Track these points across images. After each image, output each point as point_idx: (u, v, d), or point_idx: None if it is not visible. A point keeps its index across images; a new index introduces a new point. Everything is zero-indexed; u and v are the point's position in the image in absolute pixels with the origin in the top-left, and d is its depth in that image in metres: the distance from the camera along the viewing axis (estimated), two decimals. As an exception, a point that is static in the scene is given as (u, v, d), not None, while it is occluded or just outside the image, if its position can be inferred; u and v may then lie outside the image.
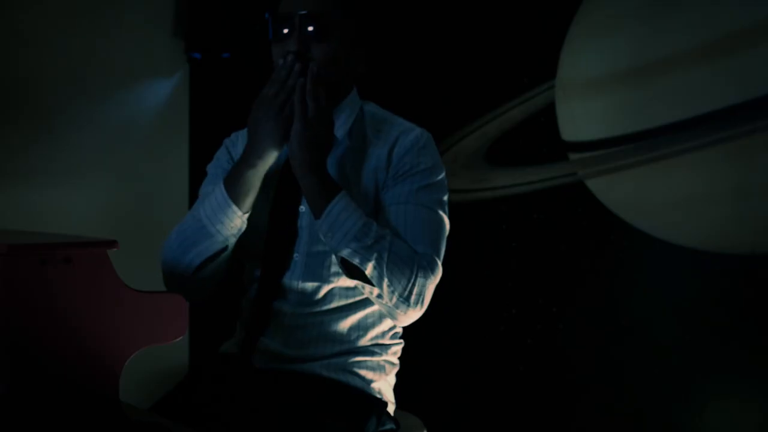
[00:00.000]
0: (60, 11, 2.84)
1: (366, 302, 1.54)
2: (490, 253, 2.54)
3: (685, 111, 2.09)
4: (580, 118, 2.33)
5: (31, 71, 2.79)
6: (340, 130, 1.55)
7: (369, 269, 1.41)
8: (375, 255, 1.40)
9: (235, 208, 1.46)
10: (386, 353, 1.58)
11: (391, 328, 1.60)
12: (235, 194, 1.47)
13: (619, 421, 2.26)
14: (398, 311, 1.46)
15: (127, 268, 1.36)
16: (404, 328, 1.67)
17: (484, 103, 2.54)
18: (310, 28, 1.48)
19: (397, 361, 1.62)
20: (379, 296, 1.44)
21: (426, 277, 1.46)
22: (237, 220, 1.48)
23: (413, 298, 1.44)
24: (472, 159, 2.59)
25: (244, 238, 1.53)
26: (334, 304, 1.53)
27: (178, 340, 1.27)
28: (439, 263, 1.49)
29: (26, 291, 1.12)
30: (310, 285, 1.52)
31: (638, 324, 2.22)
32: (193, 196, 3.14)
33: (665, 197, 2.16)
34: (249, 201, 1.49)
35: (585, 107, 2.32)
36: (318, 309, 1.53)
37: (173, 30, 3.14)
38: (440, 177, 1.55)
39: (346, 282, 1.51)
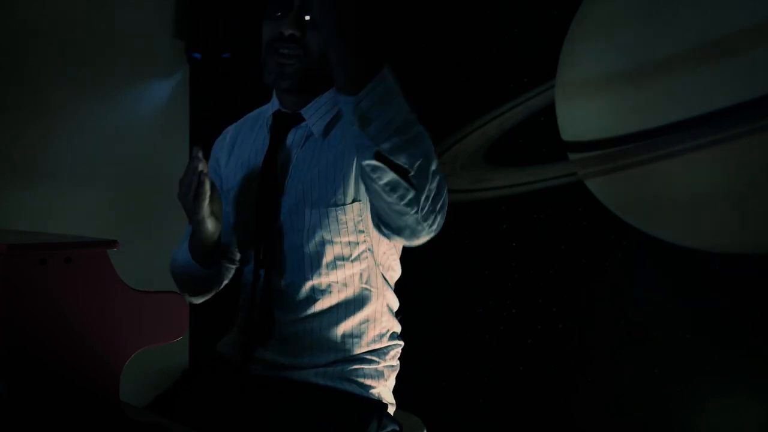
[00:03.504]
0: (60, 12, 2.84)
1: (357, 307, 1.53)
2: (490, 253, 2.54)
3: (685, 111, 2.09)
4: (580, 118, 2.33)
5: (31, 71, 2.79)
6: (317, 125, 1.51)
7: (415, 169, 1.24)
8: (420, 152, 1.23)
9: (199, 268, 1.57)
10: (384, 359, 1.56)
11: (387, 330, 1.58)
12: (195, 254, 1.56)
13: (619, 421, 2.26)
14: (424, 220, 1.30)
15: (127, 268, 1.36)
16: (404, 328, 1.66)
17: (484, 103, 2.54)
18: (308, 17, 1.44)
19: (396, 363, 1.61)
20: (411, 201, 1.26)
21: (437, 167, 1.29)
22: (205, 270, 1.58)
23: (440, 202, 1.30)
24: (472, 159, 2.59)
25: (238, 240, 1.61)
26: (318, 306, 1.51)
27: (178, 340, 1.27)
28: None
29: (26, 291, 1.12)
30: (291, 283, 1.51)
31: (638, 324, 2.22)
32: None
33: (665, 197, 2.16)
34: (210, 254, 1.56)
35: (585, 107, 2.32)
36: (304, 313, 1.51)
37: (173, 30, 3.14)
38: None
39: (322, 279, 1.50)
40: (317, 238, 1.49)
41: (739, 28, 2.01)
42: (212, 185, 1.48)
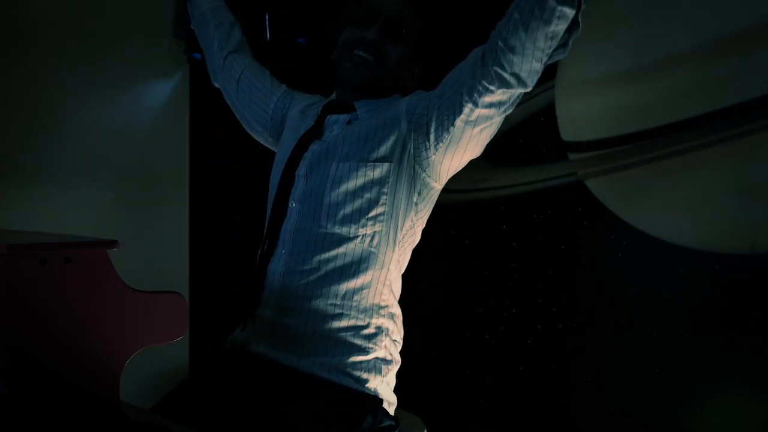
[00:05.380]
0: (60, 11, 2.84)
1: (360, 269, 1.56)
2: (490, 253, 2.54)
3: (685, 111, 2.09)
4: (580, 118, 2.33)
5: (30, 71, 2.79)
6: (364, 113, 1.65)
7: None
8: None
9: None
10: (378, 345, 1.57)
11: (387, 306, 1.60)
12: None
13: (619, 421, 2.26)
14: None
15: (127, 268, 1.36)
16: (404, 328, 1.66)
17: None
18: (390, 30, 1.65)
19: (392, 357, 1.61)
20: (556, 50, 1.46)
21: None
22: None
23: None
24: (472, 159, 2.58)
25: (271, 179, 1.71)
26: (323, 256, 1.55)
27: (178, 340, 1.27)
28: None
29: (26, 291, 1.12)
30: (302, 234, 1.57)
31: (638, 324, 2.22)
32: (193, 196, 3.14)
33: (665, 197, 2.16)
34: None
35: (585, 107, 2.32)
36: (308, 263, 1.55)
37: (173, 30, 3.14)
38: None
39: (335, 229, 1.55)
40: (340, 189, 1.56)
41: (739, 28, 2.01)
42: None
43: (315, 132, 1.66)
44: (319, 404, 1.48)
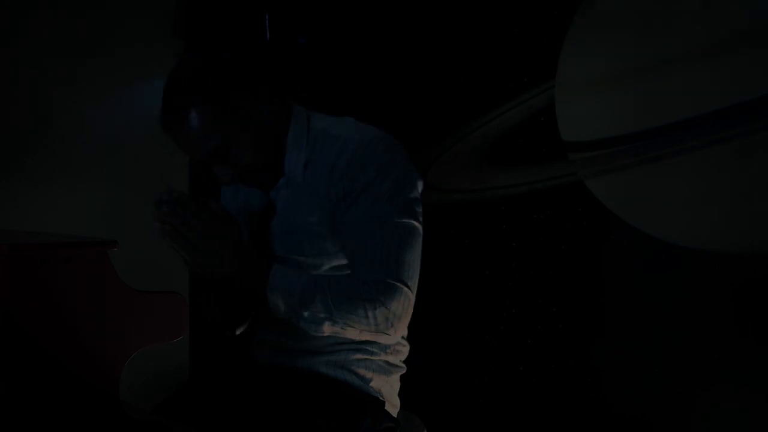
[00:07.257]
0: (60, 11, 2.84)
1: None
2: (490, 253, 2.54)
3: (685, 111, 2.09)
4: (580, 118, 2.33)
5: (30, 71, 2.78)
6: (296, 168, 1.53)
7: (327, 330, 1.44)
8: (324, 315, 1.41)
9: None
10: (385, 352, 1.57)
11: None
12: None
13: (619, 421, 2.26)
14: (380, 336, 1.48)
15: (127, 268, 1.36)
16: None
17: (484, 103, 2.54)
18: (219, 163, 1.51)
19: (400, 364, 1.61)
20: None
21: (382, 305, 1.41)
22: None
23: (382, 326, 1.43)
24: (472, 159, 2.59)
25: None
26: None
27: (178, 340, 1.27)
28: (395, 282, 1.42)
29: (26, 291, 1.12)
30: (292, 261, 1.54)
31: (638, 324, 2.22)
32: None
33: (665, 197, 2.16)
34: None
35: (585, 107, 2.32)
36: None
37: (174, 30, 3.14)
38: (390, 181, 1.45)
39: (326, 259, 1.53)
40: (315, 262, 1.52)
41: (739, 28, 2.01)
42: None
43: (269, 211, 1.58)
44: (319, 404, 1.47)
